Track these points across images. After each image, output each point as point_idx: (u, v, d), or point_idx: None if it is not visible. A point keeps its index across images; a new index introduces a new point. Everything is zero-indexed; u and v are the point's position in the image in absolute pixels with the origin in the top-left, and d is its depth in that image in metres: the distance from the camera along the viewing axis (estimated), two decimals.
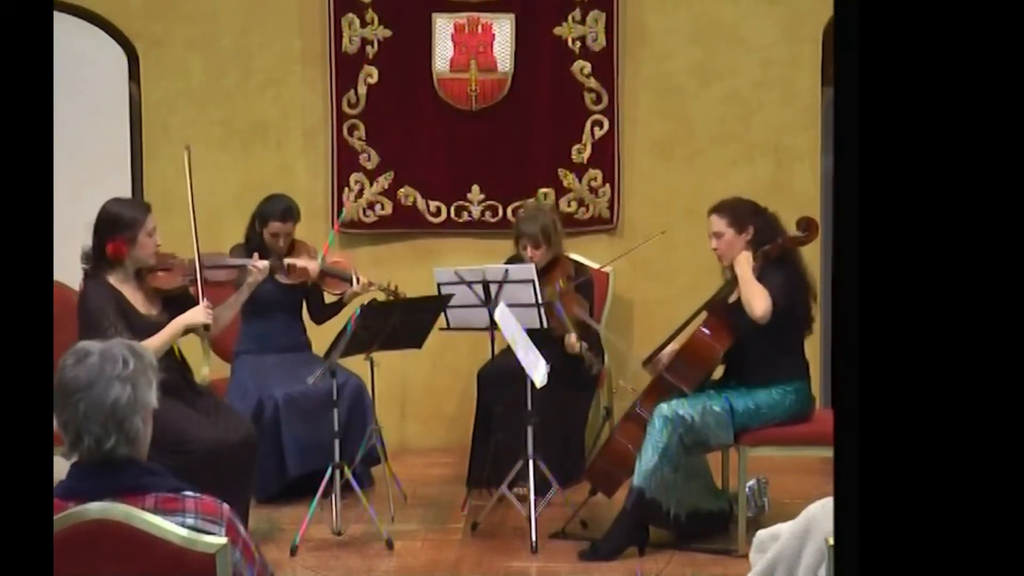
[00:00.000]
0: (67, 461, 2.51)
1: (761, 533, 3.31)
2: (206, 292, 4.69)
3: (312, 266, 5.58)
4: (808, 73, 6.44)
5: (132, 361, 2.45)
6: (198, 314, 4.61)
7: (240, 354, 5.75)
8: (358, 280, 5.57)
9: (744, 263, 4.82)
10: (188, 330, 4.62)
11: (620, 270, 6.42)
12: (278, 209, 5.64)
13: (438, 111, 6.47)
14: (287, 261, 5.56)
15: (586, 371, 5.42)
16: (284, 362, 5.64)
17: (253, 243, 5.59)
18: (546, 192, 6.42)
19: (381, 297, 5.48)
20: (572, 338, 5.42)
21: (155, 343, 4.40)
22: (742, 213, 4.89)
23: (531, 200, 6.35)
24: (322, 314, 5.85)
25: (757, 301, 4.73)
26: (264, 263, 5.06)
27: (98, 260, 4.56)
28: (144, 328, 4.48)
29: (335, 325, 5.63)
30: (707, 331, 4.90)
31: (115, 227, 4.55)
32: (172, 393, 4.11)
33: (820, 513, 3.08)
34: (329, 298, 5.79)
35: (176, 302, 4.71)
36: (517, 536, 5.06)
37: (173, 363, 4.58)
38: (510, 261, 5.77)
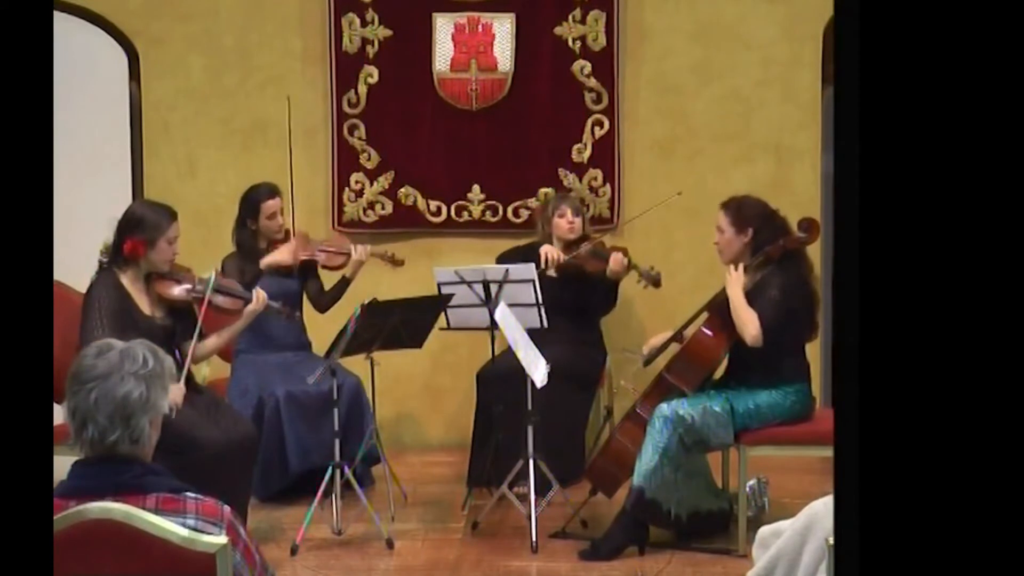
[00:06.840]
0: (69, 458, 2.52)
1: (764, 529, 3.32)
2: (208, 316, 4.73)
3: (291, 247, 5.59)
4: (808, 72, 6.44)
5: (152, 362, 2.47)
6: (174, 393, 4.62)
7: (240, 353, 5.74)
8: (357, 249, 5.64)
9: (736, 284, 4.81)
10: None
11: None
12: (263, 192, 5.65)
13: (438, 111, 6.47)
14: (264, 261, 5.56)
15: (650, 280, 5.63)
16: (285, 361, 5.64)
17: (246, 246, 5.60)
18: (547, 192, 6.41)
19: (383, 265, 5.72)
20: (618, 255, 5.65)
21: None
22: (746, 214, 4.87)
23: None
24: (324, 300, 5.79)
25: (748, 327, 4.74)
26: (264, 295, 5.02)
27: (114, 256, 4.65)
28: (145, 328, 4.50)
29: (336, 324, 5.63)
30: (708, 332, 4.90)
31: (137, 228, 4.63)
32: None
33: (822, 510, 3.08)
34: (329, 283, 5.76)
35: (181, 312, 4.77)
36: (517, 536, 5.06)
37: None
38: (524, 252, 5.78)
